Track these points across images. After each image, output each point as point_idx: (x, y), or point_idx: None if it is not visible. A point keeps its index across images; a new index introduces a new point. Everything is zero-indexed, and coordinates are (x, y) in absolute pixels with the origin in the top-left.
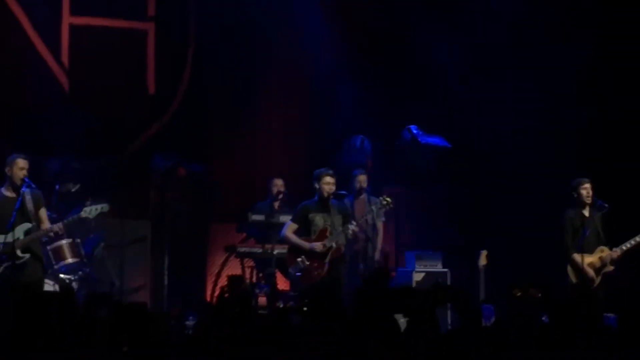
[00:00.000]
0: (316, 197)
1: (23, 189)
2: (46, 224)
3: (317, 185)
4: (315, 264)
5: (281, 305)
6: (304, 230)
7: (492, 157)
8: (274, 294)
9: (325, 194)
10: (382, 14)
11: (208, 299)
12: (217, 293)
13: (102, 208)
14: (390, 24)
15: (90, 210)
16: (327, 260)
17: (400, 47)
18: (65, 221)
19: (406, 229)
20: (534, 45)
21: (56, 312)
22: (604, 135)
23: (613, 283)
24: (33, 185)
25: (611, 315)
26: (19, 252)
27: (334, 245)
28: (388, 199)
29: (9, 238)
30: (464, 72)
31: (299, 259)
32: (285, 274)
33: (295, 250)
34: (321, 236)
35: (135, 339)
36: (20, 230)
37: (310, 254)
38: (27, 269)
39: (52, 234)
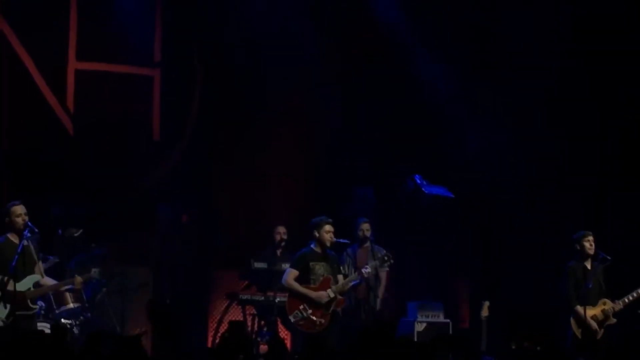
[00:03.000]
0: (313, 245)
1: (25, 234)
2: (42, 276)
3: (316, 234)
4: (319, 314)
5: None
6: (304, 278)
7: (497, 207)
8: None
9: (328, 243)
10: (391, 59)
11: (209, 345)
12: (218, 339)
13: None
14: (397, 69)
15: (99, 273)
16: (330, 310)
17: (404, 94)
18: (84, 275)
19: (408, 279)
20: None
21: (48, 353)
22: (606, 187)
23: (615, 336)
24: (36, 230)
25: None
26: (29, 303)
27: (338, 295)
28: (389, 255)
29: (20, 287)
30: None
31: (301, 307)
32: (285, 322)
33: (296, 297)
34: (324, 285)
35: None
36: (29, 281)
37: (313, 303)
38: (33, 320)
39: (70, 286)
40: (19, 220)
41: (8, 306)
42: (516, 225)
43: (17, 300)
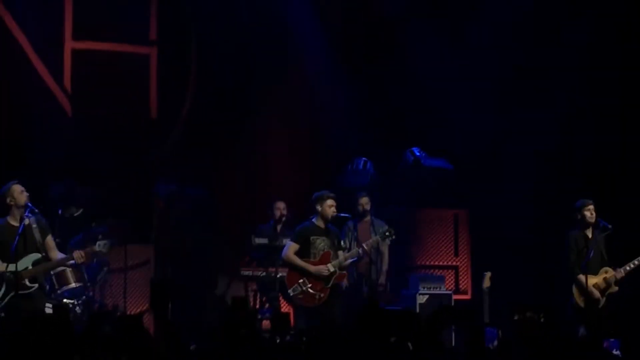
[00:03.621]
0: (314, 220)
1: (26, 215)
2: (54, 252)
3: (318, 208)
4: (318, 287)
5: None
6: (305, 252)
7: (495, 178)
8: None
9: (330, 217)
10: (386, 36)
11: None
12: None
13: (111, 244)
14: (394, 46)
15: (105, 245)
16: (329, 284)
17: (403, 69)
18: (86, 249)
19: (409, 251)
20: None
21: (51, 333)
22: (607, 157)
23: (617, 304)
24: (36, 210)
25: (613, 339)
26: (27, 282)
27: (338, 270)
28: (391, 231)
29: (18, 267)
30: (465, 94)
31: (300, 281)
32: (286, 296)
33: (296, 271)
34: (324, 259)
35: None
36: (28, 260)
37: (313, 276)
38: (33, 299)
39: (73, 262)
40: (22, 197)
41: (3, 287)
42: (518, 196)
43: (11, 281)
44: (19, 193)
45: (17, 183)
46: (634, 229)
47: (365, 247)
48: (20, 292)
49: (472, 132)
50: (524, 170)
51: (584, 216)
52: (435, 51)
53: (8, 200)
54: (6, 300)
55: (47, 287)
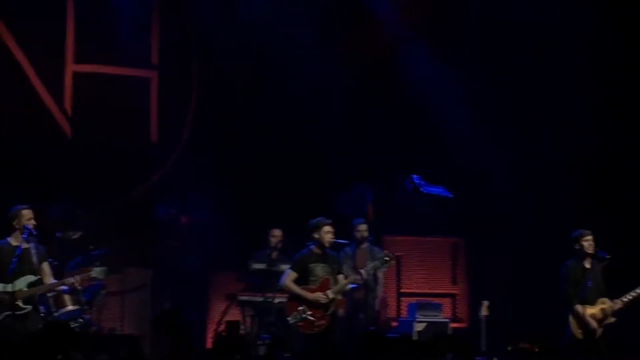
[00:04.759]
0: (313, 247)
1: (24, 237)
2: (48, 279)
3: (316, 235)
4: (318, 315)
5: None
6: (303, 279)
7: (492, 206)
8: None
9: (327, 244)
10: (389, 61)
11: (209, 346)
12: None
13: (108, 270)
14: (395, 72)
15: (100, 271)
16: (329, 311)
17: (404, 96)
18: (82, 275)
19: (407, 277)
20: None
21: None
22: (604, 186)
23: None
24: (34, 233)
25: None
26: (20, 303)
27: (337, 296)
28: (390, 256)
29: (9, 288)
30: (467, 120)
31: (300, 308)
32: (284, 322)
33: (295, 299)
34: (323, 286)
35: None
36: (23, 282)
37: (313, 303)
38: (27, 320)
39: (65, 287)
40: (30, 224)
41: None
42: (515, 224)
43: (5, 301)
44: (27, 219)
45: (28, 209)
46: (631, 260)
47: (363, 274)
48: (10, 312)
49: (471, 160)
50: (522, 198)
51: (582, 246)
52: (435, 77)
53: (15, 222)
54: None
55: (44, 309)
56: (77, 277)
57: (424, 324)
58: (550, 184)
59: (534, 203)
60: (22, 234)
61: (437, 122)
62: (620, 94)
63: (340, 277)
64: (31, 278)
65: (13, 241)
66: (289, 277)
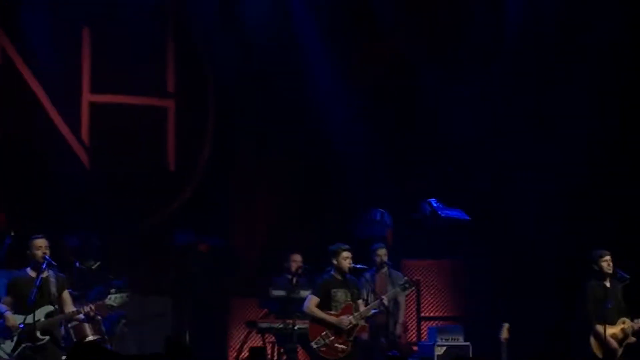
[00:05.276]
0: (333, 272)
1: (43, 267)
2: (70, 307)
3: (334, 261)
4: (340, 340)
5: None
6: (325, 304)
7: (513, 227)
8: None
9: (346, 269)
10: (403, 80)
11: None
12: None
13: (126, 296)
14: (411, 92)
15: (115, 298)
16: (352, 337)
17: (420, 118)
18: (97, 303)
19: (427, 301)
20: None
21: None
22: (624, 202)
23: (635, 355)
24: (54, 264)
25: None
26: (38, 334)
27: (360, 322)
28: (410, 282)
29: (29, 319)
30: (484, 141)
31: (323, 333)
32: (306, 348)
33: (318, 323)
34: (346, 311)
35: None
36: (42, 312)
37: (335, 329)
38: (46, 351)
39: (82, 315)
40: (39, 253)
41: (14, 339)
42: (535, 245)
43: (24, 332)
44: (36, 248)
45: (41, 238)
46: None
47: (384, 300)
48: (29, 344)
49: (488, 182)
50: (544, 216)
51: (601, 267)
52: (451, 100)
53: (28, 252)
54: (18, 350)
55: (63, 339)
56: (92, 306)
57: (444, 348)
58: (570, 205)
59: (555, 220)
60: (41, 264)
61: (452, 140)
62: None
63: (360, 302)
64: (49, 308)
65: (31, 272)
66: (312, 301)
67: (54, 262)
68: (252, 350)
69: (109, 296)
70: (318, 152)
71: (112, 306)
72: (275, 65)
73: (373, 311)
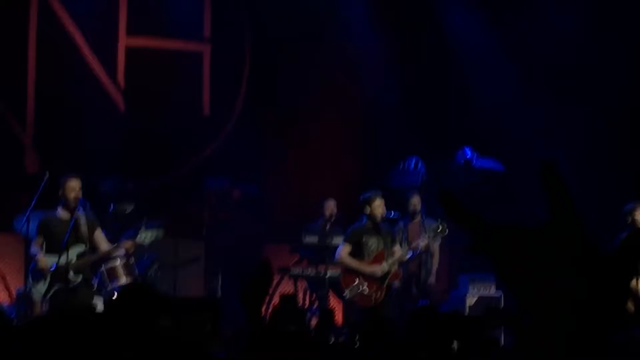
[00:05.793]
0: (365, 220)
1: (78, 210)
2: (104, 246)
3: (368, 209)
4: (374, 287)
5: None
6: (357, 252)
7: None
8: (327, 319)
9: (379, 217)
10: (439, 37)
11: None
12: (270, 312)
13: (157, 235)
14: (445, 47)
15: (145, 237)
16: (385, 283)
17: (454, 70)
18: (133, 240)
19: (459, 250)
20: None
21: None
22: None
23: None
24: (87, 205)
25: None
26: (71, 275)
27: (393, 268)
28: (444, 225)
29: (62, 260)
30: (518, 96)
31: (356, 282)
32: (339, 295)
33: (350, 272)
34: (378, 259)
35: None
36: (73, 253)
37: (369, 277)
38: (79, 292)
39: (122, 251)
40: (72, 195)
41: (47, 281)
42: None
43: (56, 274)
44: (70, 189)
45: (74, 177)
46: None
47: (420, 245)
48: (61, 285)
49: (523, 134)
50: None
51: (634, 219)
52: (487, 55)
53: (60, 192)
54: (52, 292)
55: (97, 281)
56: (129, 242)
57: (476, 298)
58: (604, 159)
59: (588, 176)
60: (74, 206)
61: (490, 97)
62: None
63: (397, 248)
64: (80, 248)
65: (62, 212)
66: (343, 250)
67: (87, 204)
68: (283, 297)
69: (140, 234)
70: (352, 100)
71: (142, 245)
72: (313, 15)
73: (409, 255)
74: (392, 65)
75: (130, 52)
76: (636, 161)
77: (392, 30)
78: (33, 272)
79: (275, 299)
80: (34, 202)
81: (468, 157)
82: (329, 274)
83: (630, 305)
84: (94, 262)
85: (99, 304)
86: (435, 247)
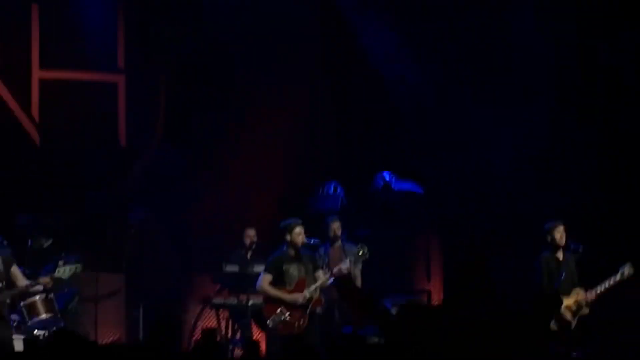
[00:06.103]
0: (285, 248)
1: None
2: (21, 282)
3: (287, 237)
4: (297, 315)
5: None
6: (279, 280)
7: (465, 202)
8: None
9: (299, 245)
10: (363, 57)
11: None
12: (192, 346)
13: (76, 268)
14: (365, 67)
15: (64, 271)
16: (308, 311)
17: (375, 91)
18: (51, 275)
19: (382, 275)
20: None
21: None
22: (578, 174)
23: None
24: (5, 242)
25: None
26: None
27: (315, 295)
28: (364, 249)
29: None
30: (438, 115)
31: (278, 311)
32: (261, 325)
33: (272, 301)
34: (300, 286)
35: None
36: None
37: (291, 305)
38: None
39: (39, 287)
40: None
41: None
42: (492, 217)
43: None
44: None
45: None
46: (604, 250)
47: (337, 271)
48: None
49: (445, 152)
50: (497, 191)
51: (553, 238)
52: (407, 70)
53: None
54: None
55: (17, 317)
56: (48, 277)
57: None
58: (524, 179)
59: (507, 196)
60: None
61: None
62: None
63: (319, 273)
64: None
65: None
66: (264, 279)
67: (5, 241)
68: (204, 332)
69: (58, 269)
70: (274, 126)
71: (61, 279)
72: (226, 35)
73: (330, 281)
74: (312, 89)
75: (44, 84)
76: (562, 157)
77: (312, 59)
78: None
79: (197, 332)
80: None
81: (387, 180)
82: (251, 302)
83: (553, 325)
84: (12, 299)
85: (18, 342)
86: (357, 272)
